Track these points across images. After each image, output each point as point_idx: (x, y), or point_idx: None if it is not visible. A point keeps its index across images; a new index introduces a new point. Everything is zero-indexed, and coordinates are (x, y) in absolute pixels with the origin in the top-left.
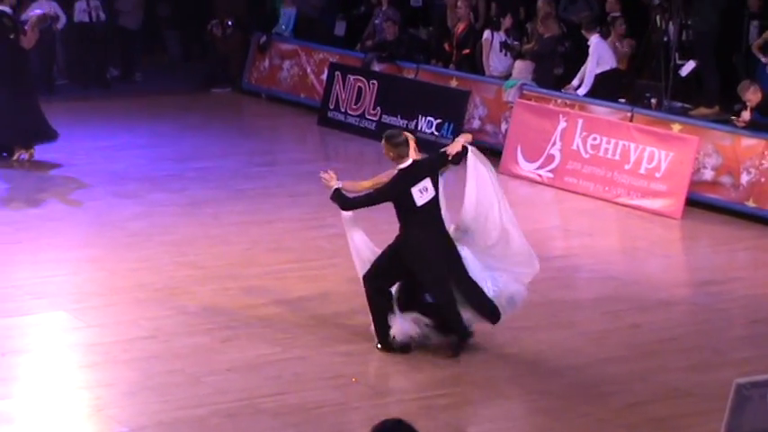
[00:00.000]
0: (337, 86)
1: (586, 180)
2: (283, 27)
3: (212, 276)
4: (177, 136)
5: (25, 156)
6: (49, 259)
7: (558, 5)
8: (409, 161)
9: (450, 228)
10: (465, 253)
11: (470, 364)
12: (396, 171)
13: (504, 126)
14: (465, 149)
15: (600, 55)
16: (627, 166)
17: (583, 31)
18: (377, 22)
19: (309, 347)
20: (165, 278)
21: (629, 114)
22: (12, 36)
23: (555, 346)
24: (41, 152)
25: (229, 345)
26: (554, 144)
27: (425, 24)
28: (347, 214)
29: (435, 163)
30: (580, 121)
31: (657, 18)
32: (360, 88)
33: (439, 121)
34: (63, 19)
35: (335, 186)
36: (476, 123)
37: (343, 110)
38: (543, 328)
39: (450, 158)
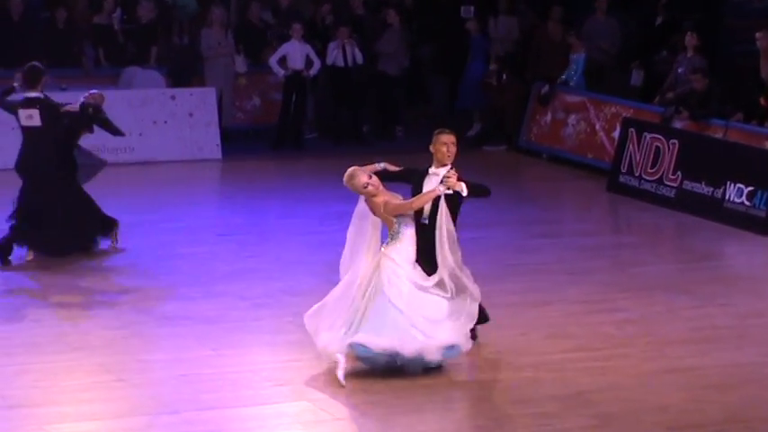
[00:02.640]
0: (631, 146)
1: None
2: (572, 75)
3: (479, 366)
4: None
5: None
6: (292, 341)
7: None
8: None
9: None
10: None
11: None
12: None
13: None
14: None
15: None
16: None
17: None
18: (680, 71)
19: None
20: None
21: None
22: (66, 122)
23: None
24: (288, 215)
25: None
26: None
27: None
28: None
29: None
30: None
31: None
32: (657, 148)
33: (751, 188)
34: (317, 64)
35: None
36: None
37: (637, 174)
38: None
39: None
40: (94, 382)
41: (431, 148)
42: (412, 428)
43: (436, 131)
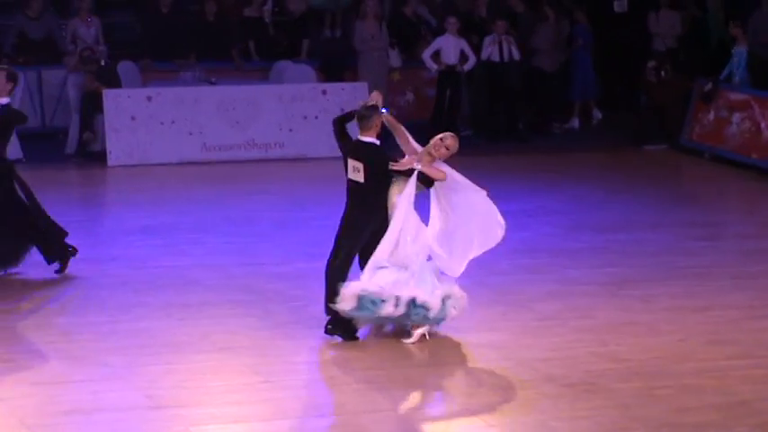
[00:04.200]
0: None
1: None
2: (734, 70)
3: (637, 372)
4: (600, 201)
5: None
6: (446, 347)
7: None
8: (365, 138)
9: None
10: None
11: None
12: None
13: None
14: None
15: None
16: None
17: None
18: None
19: None
20: (579, 371)
21: None
22: None
23: None
24: None
25: None
26: None
27: None
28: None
29: (379, 163)
30: None
31: None
32: None
33: None
34: (472, 59)
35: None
36: None
37: None
38: None
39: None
40: (241, 384)
41: (379, 121)
42: (564, 423)
43: (364, 109)
